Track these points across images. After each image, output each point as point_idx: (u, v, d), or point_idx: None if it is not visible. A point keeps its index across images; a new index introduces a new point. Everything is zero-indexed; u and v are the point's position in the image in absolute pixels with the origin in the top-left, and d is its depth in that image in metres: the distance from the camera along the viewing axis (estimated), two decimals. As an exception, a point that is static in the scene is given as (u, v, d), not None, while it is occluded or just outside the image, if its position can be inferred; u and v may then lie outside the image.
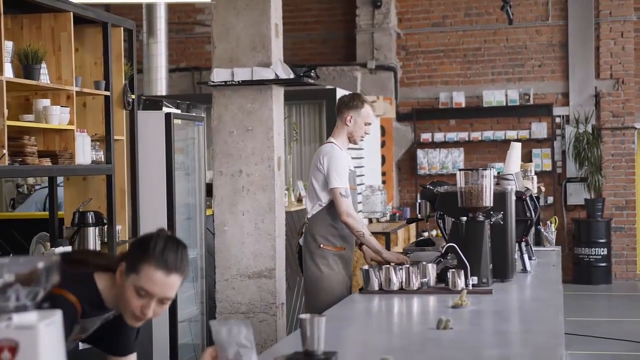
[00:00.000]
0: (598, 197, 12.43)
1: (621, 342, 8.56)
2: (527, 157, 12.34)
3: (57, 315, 1.75)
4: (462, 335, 3.21)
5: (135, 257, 2.59)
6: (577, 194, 12.63)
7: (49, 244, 5.45)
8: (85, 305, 2.63)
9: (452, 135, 12.89)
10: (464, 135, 12.85)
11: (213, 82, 5.87)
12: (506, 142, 12.62)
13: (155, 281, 2.57)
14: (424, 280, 4.27)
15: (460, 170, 4.42)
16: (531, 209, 4.99)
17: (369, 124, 5.32)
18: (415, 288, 4.22)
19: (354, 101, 5.31)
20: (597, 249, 12.27)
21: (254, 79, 5.81)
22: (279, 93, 6.04)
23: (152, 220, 6.23)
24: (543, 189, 9.42)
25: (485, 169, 4.39)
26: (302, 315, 2.72)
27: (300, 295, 7.38)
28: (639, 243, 12.85)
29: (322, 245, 5.20)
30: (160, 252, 2.58)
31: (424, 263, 4.35)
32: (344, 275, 5.25)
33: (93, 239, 5.41)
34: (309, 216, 5.31)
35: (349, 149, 5.45)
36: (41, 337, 1.69)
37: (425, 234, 12.44)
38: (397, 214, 10.97)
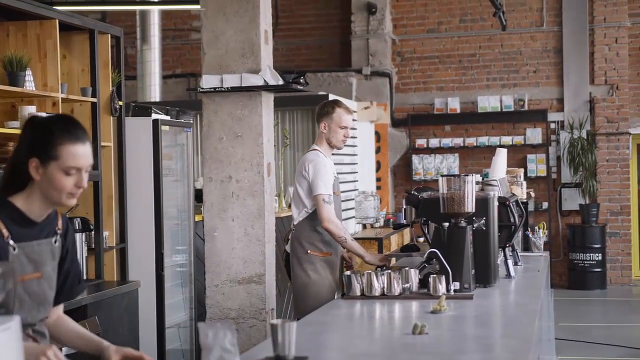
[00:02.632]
0: (593, 202, 12.44)
1: (614, 347, 8.56)
2: (521, 163, 12.36)
3: (14, 321, 1.76)
4: (436, 340, 3.22)
5: (47, 147, 2.66)
6: (571, 200, 12.63)
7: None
8: (11, 226, 2.66)
9: (447, 141, 12.91)
10: (459, 141, 12.86)
11: (202, 88, 5.89)
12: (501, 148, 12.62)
13: (77, 154, 2.68)
14: (406, 285, 4.28)
15: (442, 176, 4.43)
16: (515, 214, 5.00)
17: (345, 127, 5.36)
18: (396, 293, 4.23)
19: (325, 107, 5.43)
20: (592, 254, 12.27)
21: (242, 85, 5.83)
22: (268, 99, 6.06)
23: (140, 226, 6.25)
24: (532, 194, 9.42)
25: (468, 175, 4.41)
26: (273, 321, 2.74)
27: (290, 301, 7.39)
28: (633, 248, 12.86)
29: (309, 252, 5.25)
30: (67, 130, 2.69)
31: (407, 268, 4.36)
32: (330, 281, 5.29)
33: (80, 245, 5.41)
34: (295, 222, 5.38)
35: (333, 154, 5.49)
36: (-4, 342, 1.71)
37: (421, 240, 12.46)
38: (392, 220, 10.99)
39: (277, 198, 8.06)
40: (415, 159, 12.96)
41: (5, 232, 2.64)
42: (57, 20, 5.19)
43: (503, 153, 5.54)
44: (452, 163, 12.88)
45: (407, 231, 11.34)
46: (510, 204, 4.98)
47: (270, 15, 6.23)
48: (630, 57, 12.65)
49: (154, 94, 10.67)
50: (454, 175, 4.43)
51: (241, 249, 5.76)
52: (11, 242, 2.64)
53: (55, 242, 2.81)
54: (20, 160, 2.71)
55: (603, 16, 12.62)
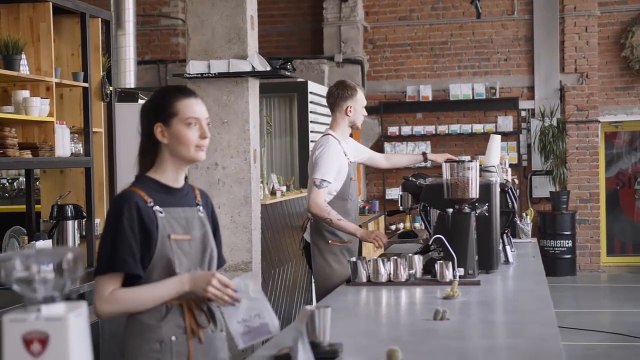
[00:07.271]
0: (563, 189, 12.57)
1: (586, 332, 8.67)
2: (493, 150, 12.42)
3: (84, 307, 1.72)
4: (459, 326, 3.22)
5: (165, 108, 2.85)
6: (542, 187, 12.76)
7: (25, 237, 5.36)
8: (153, 194, 2.82)
9: (419, 129, 12.94)
10: (430, 129, 12.91)
11: (189, 74, 5.83)
12: (472, 136, 12.74)
13: (193, 107, 2.86)
14: (411, 272, 4.27)
15: (446, 162, 4.42)
16: (514, 200, 5.02)
17: (365, 106, 5.39)
18: (403, 280, 4.22)
19: (348, 91, 5.30)
20: (562, 241, 12.41)
21: (230, 71, 5.77)
22: (254, 85, 6.02)
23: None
24: (517, 180, 9.49)
25: (471, 161, 4.41)
26: (308, 307, 2.70)
27: (275, 288, 7.36)
28: (602, 235, 13.02)
29: (330, 242, 5.14)
30: (177, 89, 2.91)
31: (410, 255, 4.35)
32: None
33: (72, 233, 5.33)
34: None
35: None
36: (71, 328, 1.67)
37: (393, 227, 12.50)
38: (367, 207, 11.01)
39: (260, 186, 8.01)
40: (387, 146, 12.98)
41: (148, 198, 2.80)
42: (50, 3, 5.08)
43: (497, 139, 5.54)
44: (424, 151, 12.91)
45: (381, 218, 11.38)
46: (509, 189, 5.00)
47: (255, 0, 6.18)
48: (599, 45, 12.78)
49: (129, 80, 10.52)
50: (457, 161, 4.42)
51: (228, 237, 5.72)
52: (156, 207, 2.80)
53: (200, 212, 2.93)
54: (147, 133, 2.88)
55: (573, 5, 12.72)
